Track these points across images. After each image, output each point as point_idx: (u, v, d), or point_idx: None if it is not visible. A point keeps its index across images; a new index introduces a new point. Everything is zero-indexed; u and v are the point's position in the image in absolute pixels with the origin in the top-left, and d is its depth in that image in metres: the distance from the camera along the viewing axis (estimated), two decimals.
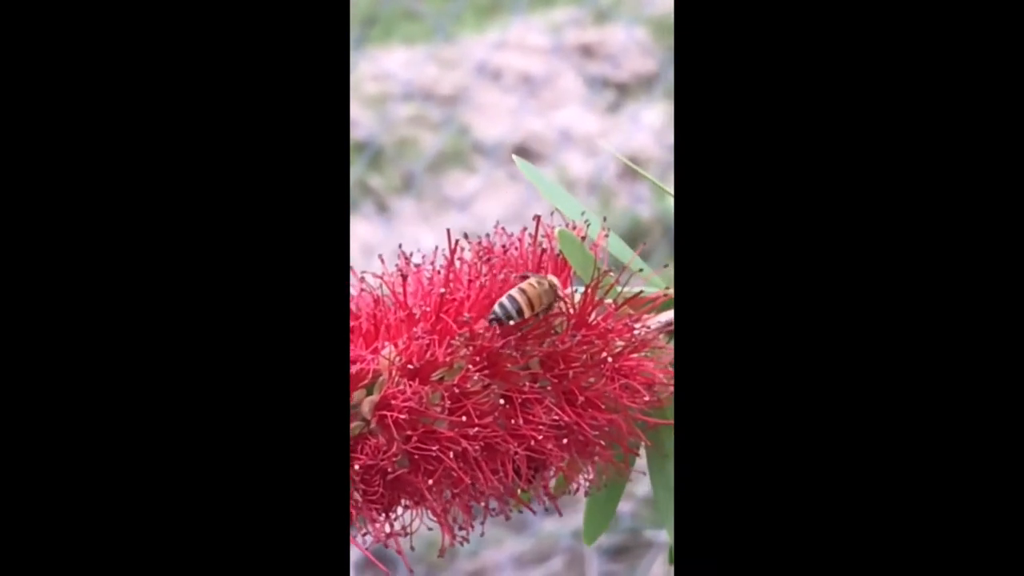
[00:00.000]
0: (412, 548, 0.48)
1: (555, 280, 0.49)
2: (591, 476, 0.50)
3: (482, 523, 0.49)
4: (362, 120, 2.59)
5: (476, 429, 0.46)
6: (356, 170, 2.48)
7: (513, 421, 0.46)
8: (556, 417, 0.47)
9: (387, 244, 2.36)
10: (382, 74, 2.76)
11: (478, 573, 1.91)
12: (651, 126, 2.74)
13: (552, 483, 0.50)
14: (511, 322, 0.47)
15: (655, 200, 2.55)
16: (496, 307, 0.47)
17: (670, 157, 2.64)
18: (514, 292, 0.47)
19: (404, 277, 0.49)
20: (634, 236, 2.52)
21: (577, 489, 0.51)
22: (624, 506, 1.95)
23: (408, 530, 0.48)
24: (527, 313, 0.47)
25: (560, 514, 0.50)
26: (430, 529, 0.48)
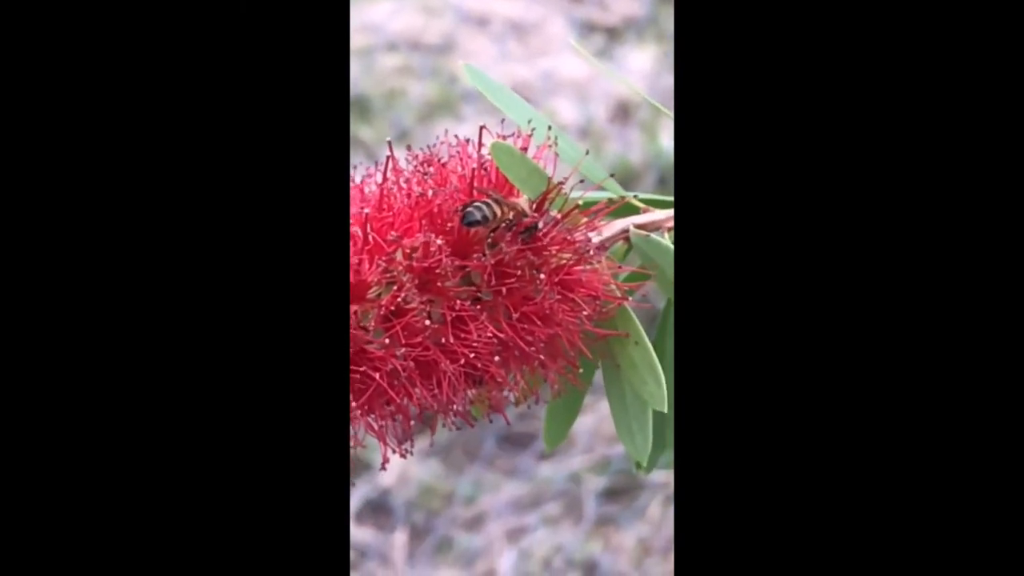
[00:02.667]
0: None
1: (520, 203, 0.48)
2: (541, 386, 0.50)
3: (431, 435, 0.48)
4: (349, 73, 2.57)
5: (405, 349, 0.45)
6: None
7: (444, 339, 0.45)
8: (491, 334, 0.45)
9: None
10: (367, 25, 2.73)
11: (476, 519, 1.93)
12: (640, 70, 2.72)
13: (511, 396, 0.50)
14: (486, 222, 0.46)
15: (646, 144, 2.54)
16: (465, 212, 0.46)
17: (659, 101, 2.62)
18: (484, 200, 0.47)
19: None
20: (625, 181, 2.50)
21: (520, 400, 0.50)
22: (619, 448, 1.96)
23: (352, 442, 0.47)
24: (499, 213, 0.46)
25: (508, 423, 0.49)
26: (364, 446, 0.47)
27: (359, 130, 2.54)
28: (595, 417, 2.00)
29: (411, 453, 0.46)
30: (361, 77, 2.59)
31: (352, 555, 1.84)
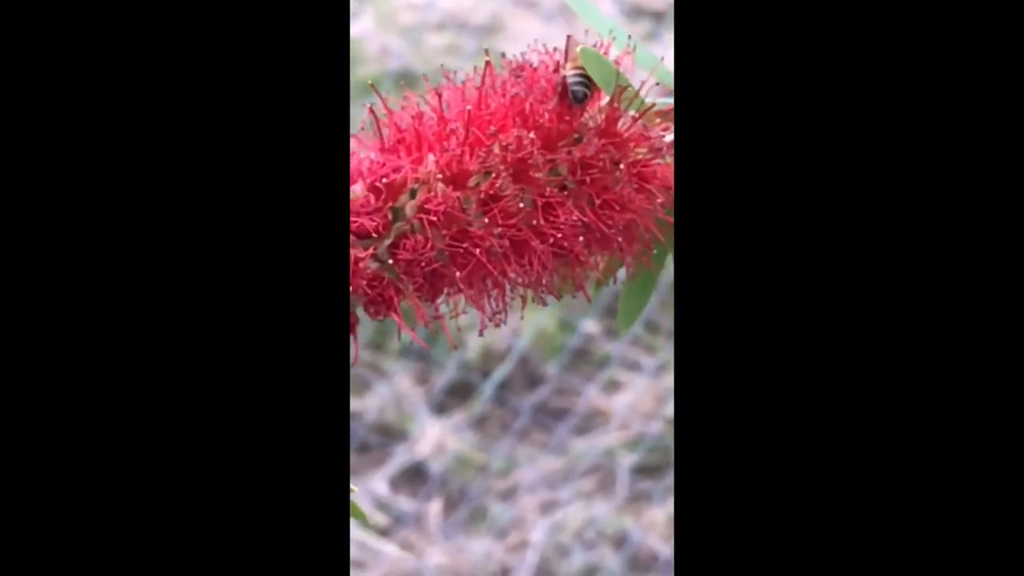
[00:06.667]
0: (458, 329, 0.55)
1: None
2: (618, 268, 0.56)
3: (522, 308, 0.55)
4: (396, 50, 2.60)
5: (500, 229, 0.51)
6: (392, 101, 2.50)
7: (535, 222, 0.52)
8: (576, 218, 0.52)
9: None
10: (416, 4, 2.78)
11: (511, 491, 1.94)
12: None
13: (589, 276, 0.56)
14: (589, 94, 0.53)
15: None
16: (572, 91, 0.53)
17: None
18: (572, 75, 0.53)
19: (439, 95, 0.54)
20: None
21: (601, 280, 0.57)
22: (653, 425, 1.98)
23: (455, 312, 0.54)
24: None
25: (589, 300, 0.55)
26: (465, 312, 0.53)
27: None
28: (631, 394, 2.02)
29: (504, 322, 0.53)
30: (408, 54, 2.64)
31: (387, 521, 1.88)
